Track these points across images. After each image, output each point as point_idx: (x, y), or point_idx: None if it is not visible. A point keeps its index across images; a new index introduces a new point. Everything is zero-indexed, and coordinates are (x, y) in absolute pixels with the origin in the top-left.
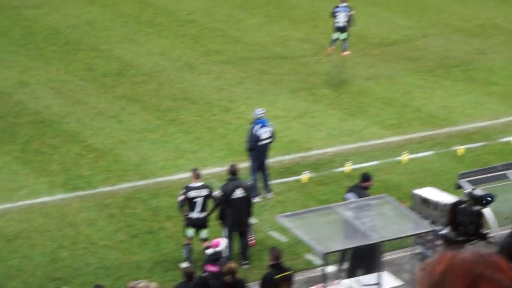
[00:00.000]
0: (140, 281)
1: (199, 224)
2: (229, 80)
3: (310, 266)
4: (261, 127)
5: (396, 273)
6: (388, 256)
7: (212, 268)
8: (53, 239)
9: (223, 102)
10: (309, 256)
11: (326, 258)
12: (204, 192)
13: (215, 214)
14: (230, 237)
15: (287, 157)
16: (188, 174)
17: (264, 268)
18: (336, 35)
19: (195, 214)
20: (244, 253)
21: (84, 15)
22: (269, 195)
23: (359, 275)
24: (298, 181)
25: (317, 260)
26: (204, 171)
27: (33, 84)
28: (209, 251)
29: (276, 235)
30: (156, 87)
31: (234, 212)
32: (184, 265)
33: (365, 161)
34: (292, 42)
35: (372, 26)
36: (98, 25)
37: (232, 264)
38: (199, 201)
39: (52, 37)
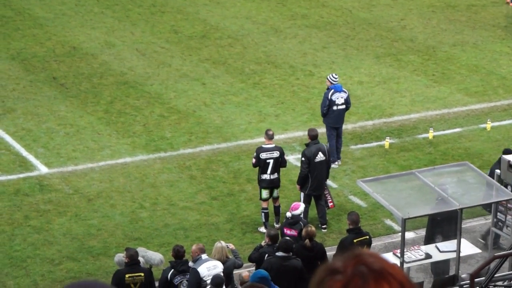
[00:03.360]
0: (220, 241)
1: (272, 185)
2: (314, 45)
3: (389, 231)
4: (335, 92)
5: (475, 240)
6: (467, 224)
7: (290, 232)
8: (134, 199)
9: (308, 66)
10: (388, 222)
11: (405, 224)
12: (276, 153)
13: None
14: (308, 201)
15: (370, 122)
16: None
17: (342, 232)
18: None
19: (268, 176)
20: (322, 217)
21: None
22: (339, 162)
23: (437, 242)
24: (381, 146)
25: (396, 226)
26: (286, 135)
27: (118, 45)
28: (288, 214)
29: (356, 199)
30: (241, 50)
31: (314, 176)
32: (262, 229)
33: (449, 128)
34: (379, 8)
35: None
36: None
37: (311, 228)
38: (272, 162)
39: None
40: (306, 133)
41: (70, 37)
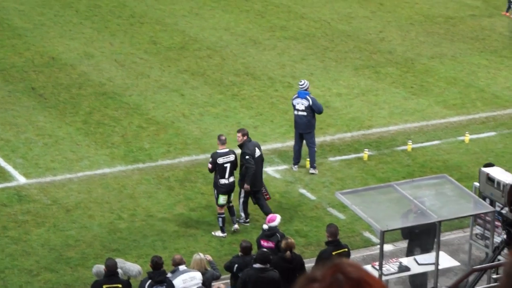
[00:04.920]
0: (198, 253)
1: (230, 190)
2: (293, 56)
3: (368, 244)
4: (297, 97)
5: (453, 253)
6: (446, 236)
7: (267, 244)
8: (112, 210)
9: (286, 78)
10: (367, 234)
11: (384, 236)
12: (232, 157)
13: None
14: (248, 197)
15: (348, 134)
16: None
17: (321, 245)
18: None
19: (226, 180)
20: (266, 208)
21: None
22: (312, 171)
23: (416, 254)
24: (359, 158)
25: (375, 238)
26: (264, 147)
27: (97, 56)
28: (264, 226)
29: (334, 212)
30: (220, 62)
31: (254, 172)
32: (218, 233)
33: (427, 140)
34: (357, 20)
35: (438, 5)
36: None
37: (290, 240)
38: (229, 166)
39: (118, 9)
40: (285, 144)
41: (49, 48)
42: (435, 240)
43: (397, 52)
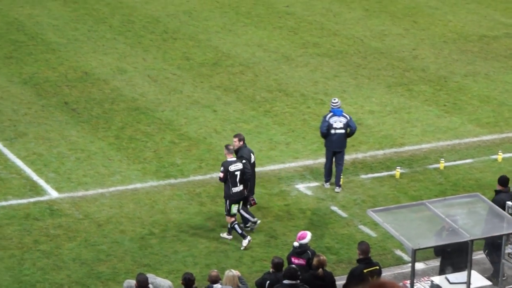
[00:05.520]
0: (230, 270)
1: (241, 198)
2: (326, 73)
3: (399, 262)
4: (333, 116)
5: (485, 273)
6: (478, 255)
7: (298, 261)
8: (143, 225)
9: (319, 95)
10: (398, 252)
11: (415, 255)
12: (240, 165)
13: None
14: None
15: (380, 152)
16: (280, 166)
17: (352, 262)
18: None
19: (237, 188)
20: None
21: (184, 4)
22: (337, 190)
23: (448, 273)
24: (391, 176)
25: (406, 257)
26: (296, 163)
27: (130, 71)
28: (295, 243)
29: (366, 229)
30: (252, 78)
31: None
32: (244, 243)
33: (460, 158)
34: (391, 37)
35: (471, 23)
36: (197, 15)
37: (322, 257)
38: (239, 174)
39: (151, 25)
40: (317, 161)
41: (82, 63)
42: (467, 259)
43: (430, 70)
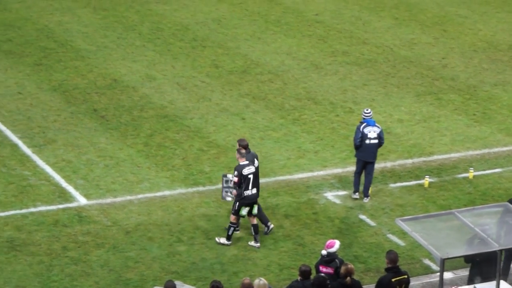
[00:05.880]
0: (259, 278)
1: (254, 201)
2: (355, 82)
3: (428, 271)
4: (367, 126)
5: None
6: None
7: (326, 269)
8: (171, 233)
9: (348, 103)
10: (427, 261)
11: (444, 264)
12: (253, 168)
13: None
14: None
15: (409, 160)
16: (309, 174)
17: (380, 271)
18: None
19: (250, 192)
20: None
21: (213, 12)
22: (366, 200)
23: (476, 283)
24: (420, 185)
25: (435, 266)
26: (325, 172)
27: (159, 78)
28: (323, 252)
29: (394, 238)
30: (281, 86)
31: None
32: (223, 240)
33: (489, 168)
34: (420, 46)
35: (502, 32)
36: (226, 23)
37: (350, 265)
38: (252, 177)
39: (180, 33)
40: (345, 170)
41: (112, 70)
42: (496, 268)
43: (459, 79)
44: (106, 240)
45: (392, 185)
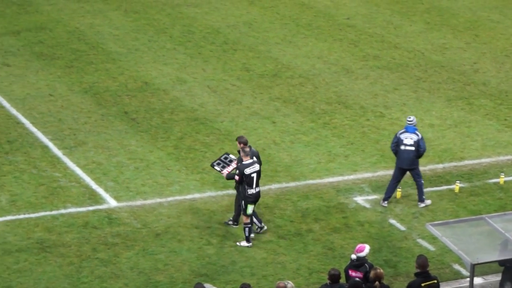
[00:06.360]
0: (287, 281)
1: (258, 199)
2: (386, 86)
3: (457, 276)
4: (405, 132)
5: None
6: None
7: (355, 274)
8: (201, 235)
9: (378, 107)
10: (457, 266)
11: (474, 269)
12: (257, 167)
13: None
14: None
15: (440, 165)
16: (339, 178)
17: (410, 276)
18: None
19: (254, 190)
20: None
21: (244, 15)
22: (420, 205)
23: None
24: (450, 190)
25: (465, 271)
26: (355, 176)
27: (190, 81)
28: (353, 256)
29: (424, 243)
30: (312, 90)
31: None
32: (244, 243)
33: None
34: (452, 51)
35: None
36: (257, 26)
37: (379, 270)
38: (255, 176)
39: (211, 36)
40: (375, 174)
41: (142, 72)
42: None
43: (491, 84)
44: (135, 242)
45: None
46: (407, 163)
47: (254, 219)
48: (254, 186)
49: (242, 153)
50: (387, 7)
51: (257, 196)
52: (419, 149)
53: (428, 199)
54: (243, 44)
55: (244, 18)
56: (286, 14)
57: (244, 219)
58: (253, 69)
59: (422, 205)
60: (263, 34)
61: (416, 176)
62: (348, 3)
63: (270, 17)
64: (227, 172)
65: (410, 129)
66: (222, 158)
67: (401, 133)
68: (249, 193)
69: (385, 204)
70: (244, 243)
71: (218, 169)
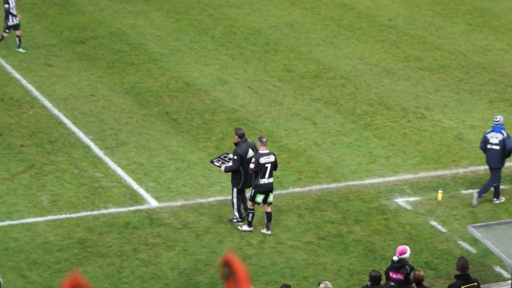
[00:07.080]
0: (325, 282)
1: (269, 189)
2: (427, 87)
3: (499, 279)
4: (491, 131)
5: None
6: None
7: (396, 276)
8: (242, 236)
9: (420, 109)
10: (498, 269)
11: None
12: (272, 158)
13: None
14: (242, 195)
15: (481, 167)
16: (380, 180)
17: (451, 278)
18: None
19: (266, 180)
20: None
21: (285, 16)
22: (474, 201)
23: None
24: (492, 192)
25: (506, 274)
26: (396, 177)
27: (231, 82)
28: (394, 258)
29: (465, 245)
30: (353, 91)
31: (245, 171)
32: (245, 227)
33: None
34: (494, 52)
35: None
36: (299, 27)
37: (419, 272)
38: (269, 166)
39: (253, 37)
40: (417, 176)
41: (184, 73)
42: None
43: None
44: (176, 242)
45: (464, 191)
46: (493, 162)
47: (235, 212)
48: (267, 176)
49: (258, 143)
50: (429, 8)
51: (268, 187)
52: (506, 147)
53: (481, 198)
54: (284, 45)
55: (286, 19)
56: (328, 15)
57: (249, 204)
58: (295, 70)
59: (475, 201)
60: (304, 35)
61: (493, 177)
62: (390, 4)
63: (312, 18)
64: (225, 166)
65: (497, 128)
66: (221, 156)
67: (488, 133)
68: (260, 182)
69: (475, 202)
70: (245, 227)
71: (218, 164)
